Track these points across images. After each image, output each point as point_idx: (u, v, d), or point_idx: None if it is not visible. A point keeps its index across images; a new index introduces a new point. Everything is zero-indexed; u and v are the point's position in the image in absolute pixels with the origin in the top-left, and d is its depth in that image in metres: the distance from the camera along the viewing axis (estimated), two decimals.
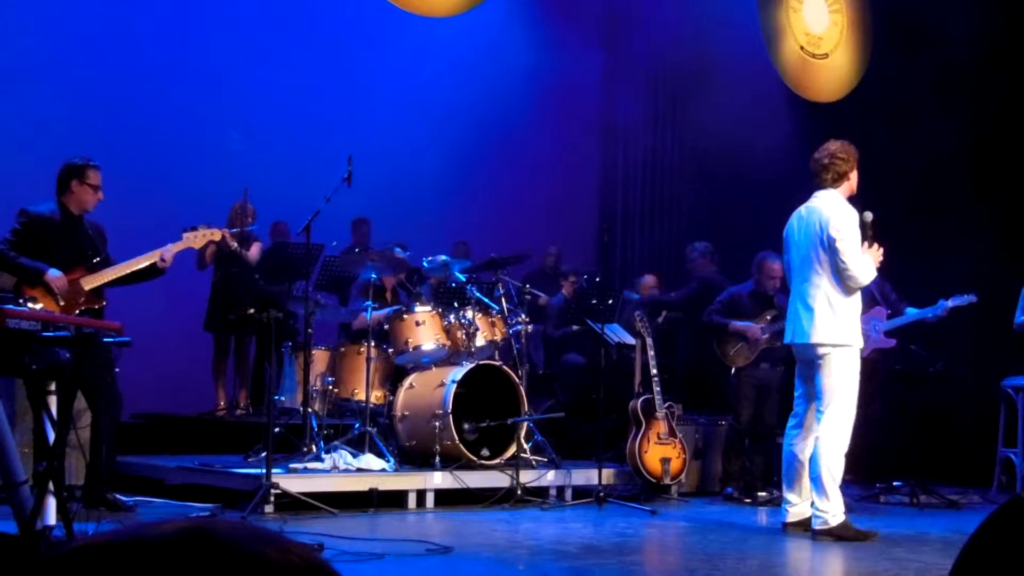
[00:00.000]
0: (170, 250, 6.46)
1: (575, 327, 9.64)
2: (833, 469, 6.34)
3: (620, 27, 12.59)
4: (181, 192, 9.78)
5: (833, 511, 6.34)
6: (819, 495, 6.35)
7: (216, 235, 6.78)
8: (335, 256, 9.25)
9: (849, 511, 6.53)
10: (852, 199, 6.59)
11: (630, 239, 12.60)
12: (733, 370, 8.46)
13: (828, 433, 6.36)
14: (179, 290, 8.77)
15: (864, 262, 6.40)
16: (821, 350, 6.41)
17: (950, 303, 8.14)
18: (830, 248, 6.38)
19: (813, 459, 6.42)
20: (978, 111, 10.43)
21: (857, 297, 6.51)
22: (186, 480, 7.47)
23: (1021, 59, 10.31)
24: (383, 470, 7.39)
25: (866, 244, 6.49)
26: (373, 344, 7.81)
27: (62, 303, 6.18)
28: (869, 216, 6.60)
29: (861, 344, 6.53)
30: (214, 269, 9.53)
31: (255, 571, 0.85)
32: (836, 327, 6.39)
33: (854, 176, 6.58)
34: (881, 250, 6.53)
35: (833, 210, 6.44)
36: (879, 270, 6.59)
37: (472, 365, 7.80)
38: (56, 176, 6.53)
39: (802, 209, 6.66)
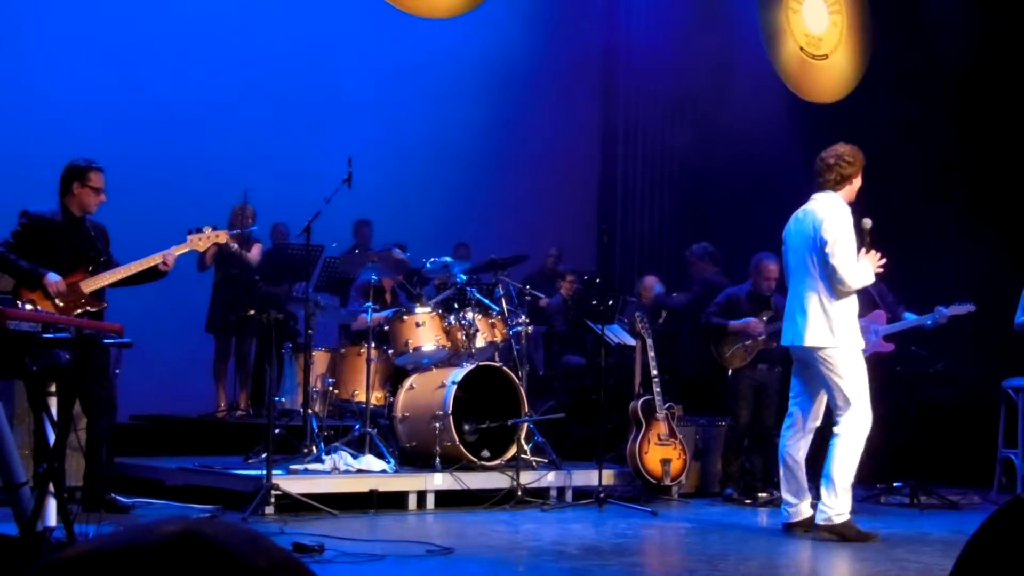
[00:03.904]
0: (172, 253, 6.45)
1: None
2: (848, 469, 6.34)
3: (619, 28, 12.59)
4: (181, 194, 9.79)
5: (839, 509, 6.34)
6: (828, 491, 6.35)
7: (221, 237, 6.77)
8: (335, 257, 9.26)
9: (851, 512, 6.52)
10: (851, 204, 6.58)
11: (630, 240, 12.61)
12: (731, 371, 8.46)
13: (847, 433, 6.35)
14: (180, 292, 8.77)
15: (858, 267, 6.38)
16: (820, 354, 6.41)
17: (948, 311, 8.13)
18: (822, 251, 6.37)
19: (828, 456, 6.42)
20: (977, 113, 10.43)
21: (853, 299, 6.49)
22: (186, 481, 7.47)
23: (1019, 61, 10.31)
24: (383, 471, 7.39)
25: (863, 251, 6.49)
26: (373, 345, 7.82)
27: (60, 306, 6.18)
28: (868, 223, 6.60)
29: (862, 344, 6.52)
30: (215, 270, 9.54)
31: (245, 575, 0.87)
32: (830, 330, 6.38)
33: (857, 182, 6.56)
34: (882, 258, 6.53)
35: (827, 213, 6.43)
36: (877, 272, 6.58)
37: (472, 366, 7.80)
38: (59, 177, 6.53)
39: (800, 211, 6.66)
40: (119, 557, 0.86)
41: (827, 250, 6.34)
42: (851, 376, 6.38)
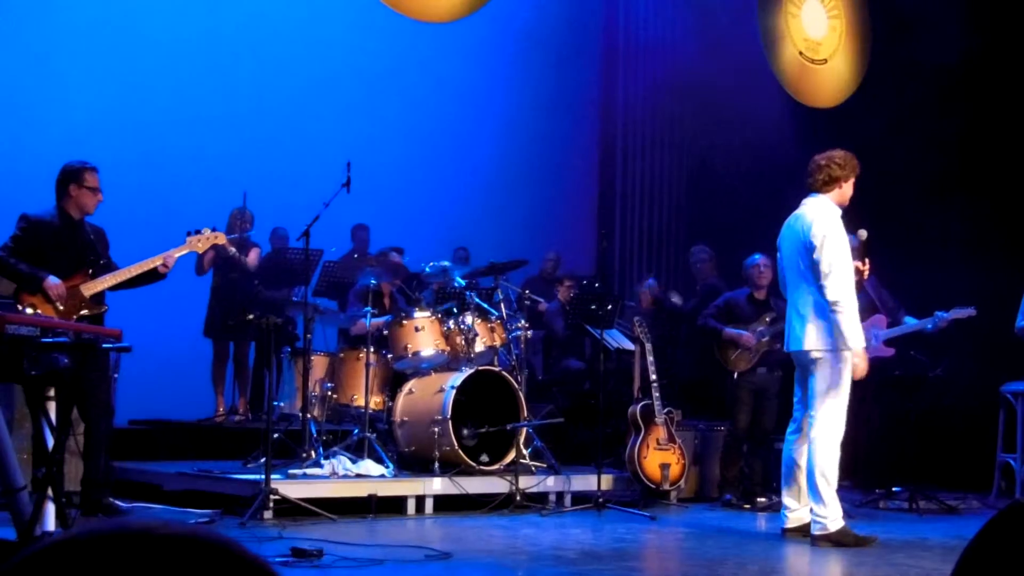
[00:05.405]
0: (172, 255, 6.45)
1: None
2: (827, 473, 6.32)
3: (619, 35, 12.60)
4: (180, 197, 9.80)
5: (831, 516, 6.32)
6: (816, 501, 6.35)
7: (220, 238, 6.76)
8: (334, 261, 9.25)
9: (848, 517, 6.52)
10: (848, 211, 6.57)
11: (629, 245, 12.61)
12: (735, 375, 8.43)
13: (820, 437, 6.34)
14: (178, 296, 8.78)
15: (843, 272, 6.33)
16: (814, 355, 6.40)
17: (949, 315, 8.13)
18: (810, 252, 6.36)
19: (808, 465, 6.41)
20: (977, 117, 10.44)
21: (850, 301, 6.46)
22: (185, 486, 7.46)
23: (1017, 63, 10.33)
24: (382, 476, 7.38)
25: (858, 263, 6.51)
26: (372, 350, 7.81)
27: (61, 309, 6.18)
28: (863, 234, 6.60)
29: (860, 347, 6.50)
30: (213, 275, 9.53)
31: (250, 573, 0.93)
32: (827, 332, 6.37)
33: (848, 186, 6.53)
34: (867, 268, 6.55)
35: (816, 215, 6.42)
36: (879, 277, 6.59)
37: (471, 371, 7.80)
38: (55, 181, 6.53)
39: (791, 217, 6.66)
40: (132, 541, 0.90)
41: (816, 255, 6.32)
42: (834, 379, 6.35)
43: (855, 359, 6.30)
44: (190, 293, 9.36)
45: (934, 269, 9.77)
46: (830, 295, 6.25)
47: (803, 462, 6.63)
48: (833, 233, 6.34)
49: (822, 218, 6.39)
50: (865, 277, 6.79)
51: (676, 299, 10.48)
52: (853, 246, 6.65)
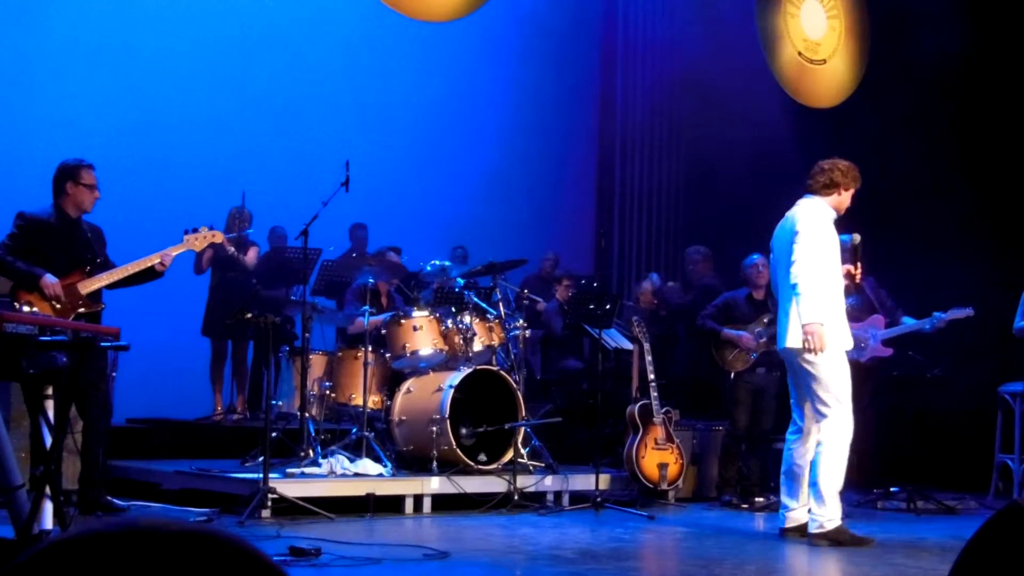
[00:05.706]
0: (170, 253, 6.45)
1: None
2: (834, 475, 6.33)
3: (618, 34, 12.61)
4: (178, 196, 9.79)
5: (829, 516, 6.33)
6: (817, 500, 6.35)
7: (218, 237, 6.76)
8: (332, 260, 9.25)
9: (846, 517, 6.52)
10: (847, 211, 6.57)
11: (627, 245, 12.62)
12: (732, 375, 8.43)
13: (829, 439, 6.34)
14: (176, 295, 8.78)
15: (811, 272, 6.33)
16: (801, 356, 6.39)
17: (947, 315, 8.13)
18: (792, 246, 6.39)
19: (813, 464, 6.41)
20: (976, 118, 10.44)
21: (836, 301, 6.45)
22: (183, 485, 7.46)
23: (1016, 64, 10.33)
24: (380, 475, 7.38)
25: (849, 266, 6.52)
26: (370, 349, 7.81)
27: (58, 307, 6.17)
28: (857, 238, 6.59)
29: (849, 346, 6.50)
30: (211, 273, 9.53)
31: (259, 571, 0.95)
32: None
33: (847, 195, 6.53)
34: (860, 272, 6.57)
35: (806, 214, 6.44)
36: (877, 277, 6.60)
37: (469, 370, 7.80)
38: (51, 179, 6.53)
39: (784, 217, 6.67)
40: (144, 539, 0.91)
41: (793, 247, 6.34)
42: (831, 379, 6.35)
43: (806, 336, 6.28)
44: (188, 292, 9.36)
45: (933, 269, 9.77)
46: (792, 278, 6.29)
47: (804, 463, 6.62)
48: (816, 229, 6.36)
49: (810, 216, 6.42)
50: (857, 281, 6.80)
51: (676, 292, 10.46)
52: (845, 248, 6.66)
